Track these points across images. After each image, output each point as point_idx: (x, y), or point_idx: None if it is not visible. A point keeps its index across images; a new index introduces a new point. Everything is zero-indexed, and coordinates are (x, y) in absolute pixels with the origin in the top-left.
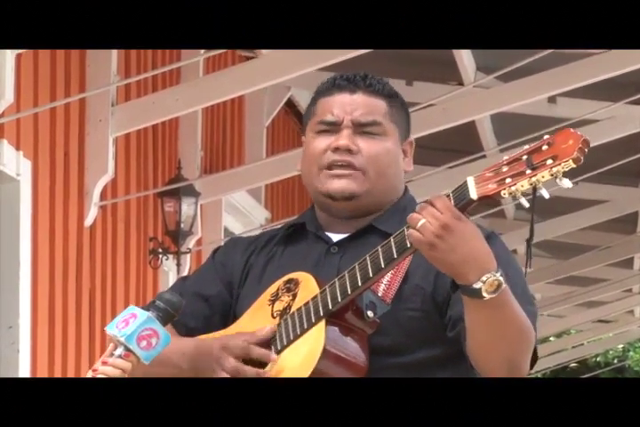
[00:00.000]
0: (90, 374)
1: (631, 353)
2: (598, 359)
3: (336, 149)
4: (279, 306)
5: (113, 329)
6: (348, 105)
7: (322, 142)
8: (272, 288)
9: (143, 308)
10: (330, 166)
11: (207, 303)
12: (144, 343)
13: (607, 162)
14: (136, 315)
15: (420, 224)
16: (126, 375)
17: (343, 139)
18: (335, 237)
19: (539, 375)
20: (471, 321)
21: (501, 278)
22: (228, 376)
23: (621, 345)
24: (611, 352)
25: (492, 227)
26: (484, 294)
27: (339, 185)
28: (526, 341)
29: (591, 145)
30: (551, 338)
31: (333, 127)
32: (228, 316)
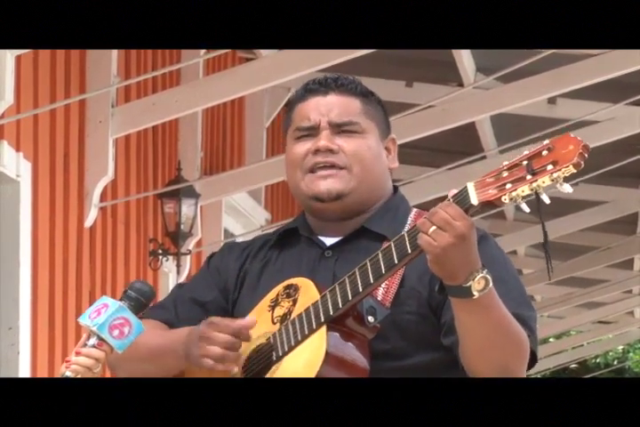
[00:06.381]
0: (63, 366)
1: (631, 354)
2: (598, 361)
3: (317, 151)
4: (279, 312)
5: (85, 319)
6: (323, 107)
7: (302, 147)
8: (271, 294)
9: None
10: (313, 169)
11: (203, 309)
12: (116, 332)
13: (607, 163)
14: (108, 305)
15: (432, 230)
16: (100, 365)
17: (322, 140)
18: (328, 241)
19: (538, 377)
20: (461, 325)
21: (488, 276)
22: (210, 362)
23: (621, 346)
24: (610, 353)
25: (493, 228)
26: (474, 293)
27: (325, 186)
28: (517, 344)
29: (591, 146)
30: (551, 339)
31: (312, 131)
32: None
